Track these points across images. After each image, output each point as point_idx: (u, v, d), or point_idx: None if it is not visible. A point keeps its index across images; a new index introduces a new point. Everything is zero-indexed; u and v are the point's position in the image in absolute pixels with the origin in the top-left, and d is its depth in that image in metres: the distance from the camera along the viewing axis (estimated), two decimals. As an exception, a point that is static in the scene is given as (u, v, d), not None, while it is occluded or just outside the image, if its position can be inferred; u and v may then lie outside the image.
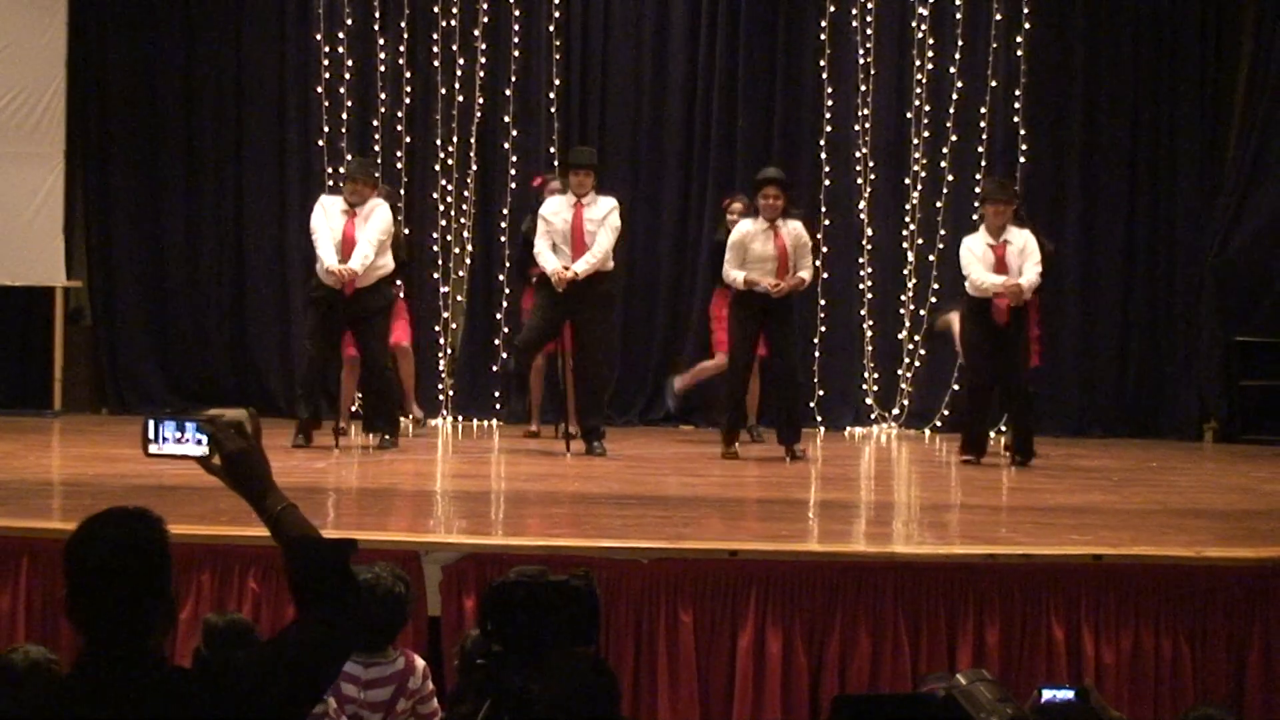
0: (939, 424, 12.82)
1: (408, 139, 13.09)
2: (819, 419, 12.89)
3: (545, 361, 11.69)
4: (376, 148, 12.92)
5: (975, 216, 11.66)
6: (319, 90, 13.03)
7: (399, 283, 11.74)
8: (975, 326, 10.68)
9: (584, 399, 10.87)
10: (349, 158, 12.31)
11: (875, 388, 13.02)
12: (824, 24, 13.00)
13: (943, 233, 12.76)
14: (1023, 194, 11.62)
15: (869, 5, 12.99)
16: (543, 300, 10.86)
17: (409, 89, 13.09)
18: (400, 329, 11.69)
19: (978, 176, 12.64)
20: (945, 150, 12.92)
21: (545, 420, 11.95)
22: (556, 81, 13.06)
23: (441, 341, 13.00)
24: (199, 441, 3.39)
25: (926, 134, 12.94)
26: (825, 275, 12.91)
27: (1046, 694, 4.23)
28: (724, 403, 11.08)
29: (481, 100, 13.07)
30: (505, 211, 13.00)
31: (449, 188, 13.08)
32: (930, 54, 12.96)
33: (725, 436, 10.82)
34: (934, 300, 12.71)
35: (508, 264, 12.81)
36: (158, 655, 3.28)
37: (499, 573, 4.63)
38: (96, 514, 3.30)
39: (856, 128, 12.99)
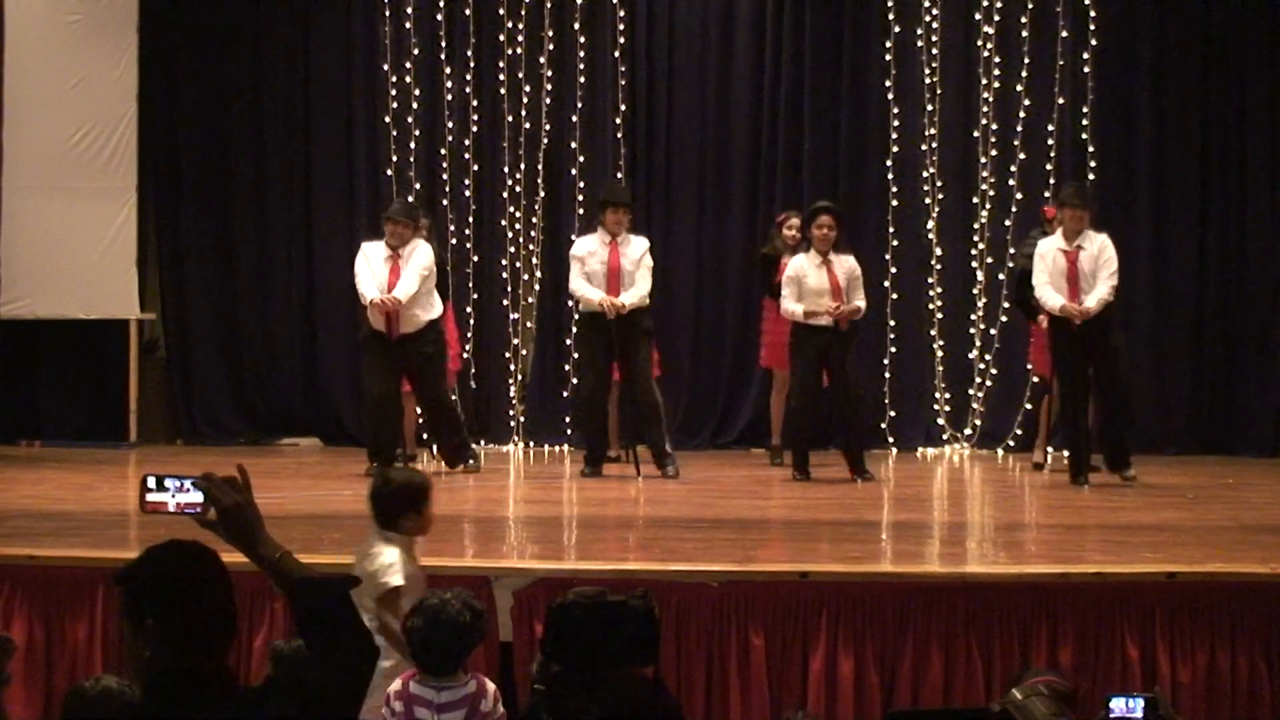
0: (1011, 443, 12.74)
1: (475, 167, 13.14)
2: (890, 440, 12.84)
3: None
4: (445, 176, 12.99)
5: (1035, 231, 11.59)
6: (387, 120, 13.11)
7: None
8: (1059, 332, 10.52)
9: (651, 428, 10.91)
10: (395, 201, 12.23)
11: (947, 408, 12.96)
12: (889, 44, 12.95)
13: (1012, 251, 12.68)
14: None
15: (934, 25, 12.93)
16: (591, 347, 11.00)
17: (476, 117, 13.14)
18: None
19: (1046, 194, 12.55)
20: (1013, 168, 12.84)
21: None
22: (622, 107, 13.08)
23: (512, 368, 13.03)
24: (195, 496, 3.55)
25: (994, 152, 12.87)
26: (894, 296, 12.88)
27: (1115, 703, 4.22)
28: (792, 428, 11.10)
29: (548, 127, 13.11)
30: (573, 237, 13.02)
31: (517, 214, 13.12)
32: (996, 72, 12.89)
33: (797, 462, 10.81)
34: (1004, 320, 12.65)
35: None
36: (226, 675, 3.37)
37: (568, 597, 4.65)
38: (155, 545, 3.49)
39: (924, 147, 12.94)
